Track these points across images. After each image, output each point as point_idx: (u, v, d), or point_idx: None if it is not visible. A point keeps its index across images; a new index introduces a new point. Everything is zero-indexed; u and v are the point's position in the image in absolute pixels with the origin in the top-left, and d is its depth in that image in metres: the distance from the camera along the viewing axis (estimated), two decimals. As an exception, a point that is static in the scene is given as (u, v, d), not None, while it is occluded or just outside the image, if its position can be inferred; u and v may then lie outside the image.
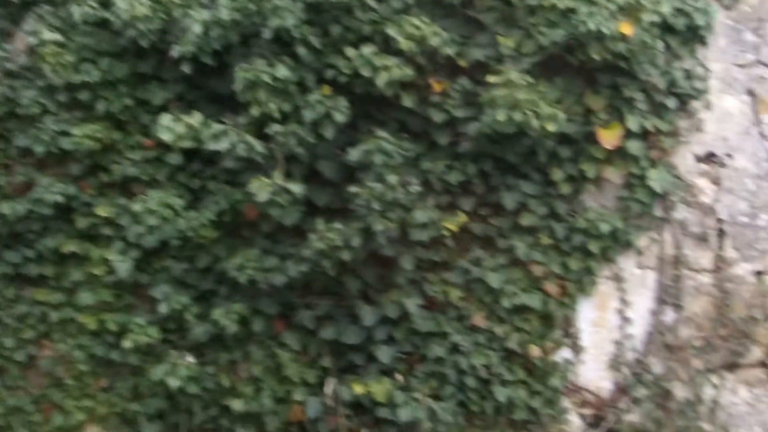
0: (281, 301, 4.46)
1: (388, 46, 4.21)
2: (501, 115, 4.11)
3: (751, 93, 4.83)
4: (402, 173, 4.17)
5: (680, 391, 4.73)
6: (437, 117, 4.41)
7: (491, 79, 4.22)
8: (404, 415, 4.30)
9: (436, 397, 4.44)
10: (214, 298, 4.45)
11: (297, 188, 4.07)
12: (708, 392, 4.75)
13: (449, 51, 4.29)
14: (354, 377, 4.43)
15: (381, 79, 4.14)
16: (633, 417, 4.70)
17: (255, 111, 4.08)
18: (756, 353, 4.79)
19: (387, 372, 4.44)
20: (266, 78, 4.01)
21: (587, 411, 4.72)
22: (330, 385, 4.43)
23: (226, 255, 4.36)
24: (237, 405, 4.43)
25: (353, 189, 4.12)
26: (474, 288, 4.57)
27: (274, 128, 4.09)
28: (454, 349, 4.52)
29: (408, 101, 4.35)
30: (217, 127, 4.10)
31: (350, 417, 4.44)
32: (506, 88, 4.14)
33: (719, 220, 4.77)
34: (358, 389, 4.34)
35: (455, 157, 4.50)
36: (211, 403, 4.51)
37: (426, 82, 4.39)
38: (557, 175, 4.52)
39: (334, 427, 4.45)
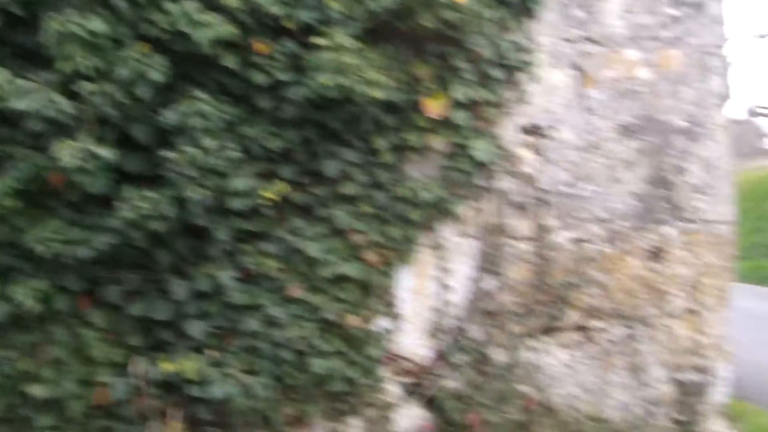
0: (87, 276, 4.81)
1: (211, 2, 4.62)
2: (326, 80, 4.70)
3: (577, 67, 5.74)
4: (220, 138, 4.62)
5: (499, 356, 5.61)
6: (260, 80, 4.92)
7: (318, 41, 4.77)
8: (216, 392, 4.82)
9: (251, 372, 5.00)
10: (14, 275, 4.70)
11: (107, 153, 4.36)
12: (526, 356, 5.66)
13: (276, 10, 4.77)
14: (164, 355, 4.88)
15: (202, 36, 4.56)
16: (452, 383, 5.52)
17: (65, 67, 4.33)
18: (573, 317, 5.74)
19: (199, 348, 4.94)
20: (79, 31, 4.27)
21: (406, 379, 5.51)
22: (137, 365, 4.86)
23: (28, 227, 4.57)
24: (38, 391, 4.74)
25: (167, 154, 4.51)
26: (292, 258, 5.17)
27: (85, 87, 4.37)
28: (270, 322, 5.10)
29: (230, 62, 4.81)
30: (21, 84, 4.31)
31: (160, 397, 4.91)
32: (333, 52, 4.71)
33: (541, 190, 5.67)
34: (168, 367, 4.79)
35: (277, 123, 5.04)
36: (9, 390, 4.78)
37: (250, 42, 4.85)
38: (381, 143, 5.22)
39: (142, 408, 4.89)
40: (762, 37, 22.81)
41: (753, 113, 34.14)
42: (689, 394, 6.04)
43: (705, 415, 6.06)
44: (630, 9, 5.87)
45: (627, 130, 5.86)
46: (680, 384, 6.02)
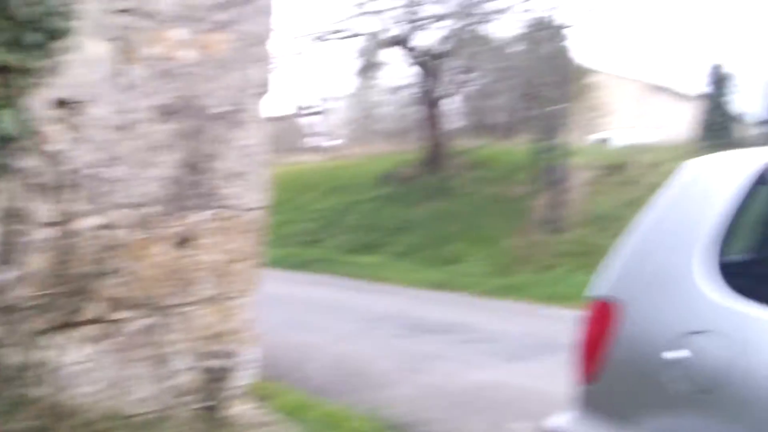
0: None
1: None
2: None
3: (119, 41, 5.36)
4: None
5: (12, 358, 5.05)
6: None
7: None
8: None
9: None
10: None
11: None
12: (42, 355, 5.14)
13: None
14: None
15: None
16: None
17: None
18: (94, 309, 5.35)
19: None
20: None
21: None
22: None
23: None
24: None
25: None
26: None
27: None
28: None
29: None
30: None
31: None
32: None
33: (69, 171, 5.18)
34: None
35: None
36: None
37: None
38: None
39: None
40: (319, 39, 23.97)
41: (298, 112, 36.39)
42: (215, 380, 5.98)
43: (232, 398, 6.06)
44: (180, -13, 5.62)
45: (165, 112, 5.62)
46: (206, 371, 5.93)
